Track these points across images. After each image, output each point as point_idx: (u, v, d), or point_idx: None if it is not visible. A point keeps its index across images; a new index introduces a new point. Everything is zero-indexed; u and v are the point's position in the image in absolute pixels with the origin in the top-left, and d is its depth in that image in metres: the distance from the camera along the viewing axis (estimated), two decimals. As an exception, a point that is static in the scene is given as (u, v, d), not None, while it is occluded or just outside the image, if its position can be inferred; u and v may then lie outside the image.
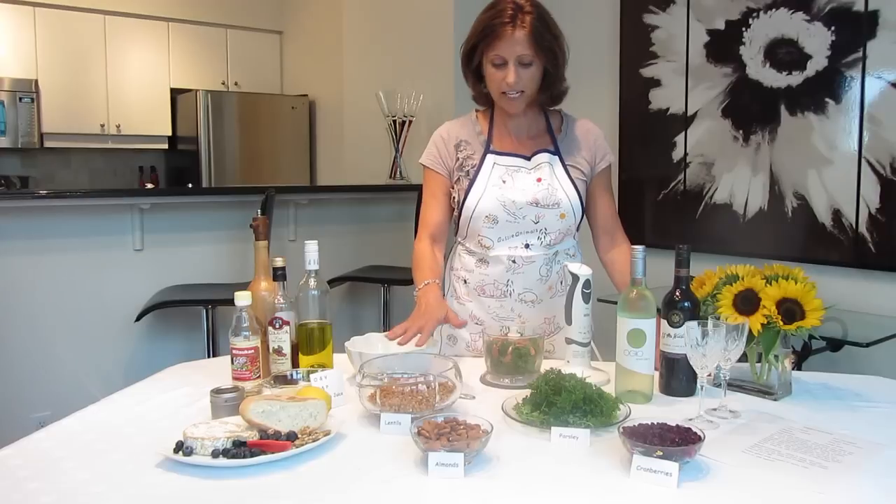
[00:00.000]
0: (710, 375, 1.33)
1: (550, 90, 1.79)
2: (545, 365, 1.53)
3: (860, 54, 2.80)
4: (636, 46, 3.60)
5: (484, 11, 1.75)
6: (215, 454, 1.15)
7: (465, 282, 1.87)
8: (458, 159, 1.86)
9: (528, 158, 1.81)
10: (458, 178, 1.85)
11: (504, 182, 1.79)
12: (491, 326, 1.83)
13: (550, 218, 1.79)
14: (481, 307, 1.85)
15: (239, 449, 1.15)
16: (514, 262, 1.80)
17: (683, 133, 3.43)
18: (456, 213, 1.87)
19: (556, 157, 1.82)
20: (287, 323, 1.57)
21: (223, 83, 6.19)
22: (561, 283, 1.80)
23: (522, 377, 1.54)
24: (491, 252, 1.81)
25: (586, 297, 1.59)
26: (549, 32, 1.71)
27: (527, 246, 1.79)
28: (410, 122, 4.24)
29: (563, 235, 1.82)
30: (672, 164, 3.48)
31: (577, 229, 1.88)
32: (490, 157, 1.82)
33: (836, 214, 2.91)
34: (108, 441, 1.28)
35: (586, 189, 1.87)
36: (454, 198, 1.87)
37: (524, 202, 1.77)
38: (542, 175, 1.79)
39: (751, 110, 3.17)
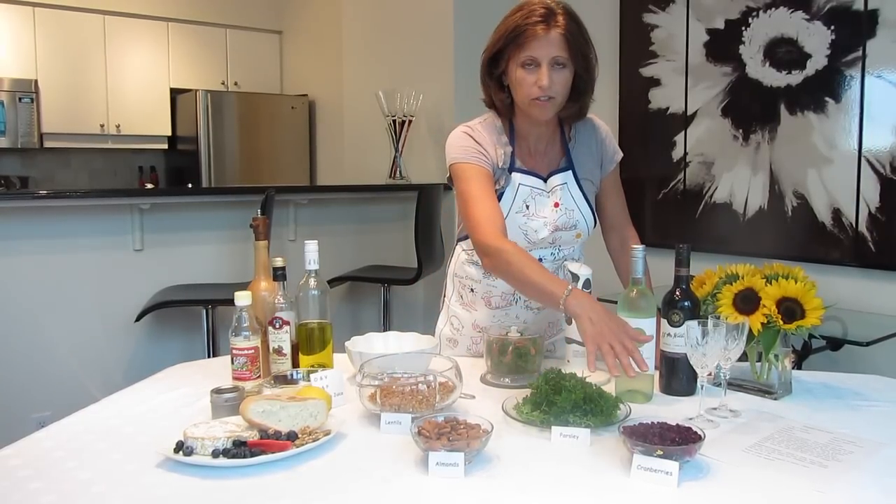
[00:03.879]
0: (710, 375, 1.33)
1: (581, 100, 1.71)
2: (545, 364, 1.54)
3: (860, 53, 2.81)
4: (636, 46, 3.60)
5: (510, 14, 1.64)
6: (215, 454, 1.15)
7: (472, 290, 1.84)
8: (499, 166, 1.72)
9: (545, 180, 1.75)
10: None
11: (527, 207, 1.72)
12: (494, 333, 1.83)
13: (567, 238, 1.77)
14: (486, 316, 1.83)
15: (239, 449, 1.15)
16: None
17: (683, 132, 3.43)
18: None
19: (570, 173, 1.76)
20: (287, 323, 1.57)
21: (223, 83, 6.19)
22: (564, 278, 1.78)
23: (523, 377, 1.55)
24: None
25: (586, 297, 1.59)
26: (582, 36, 1.63)
27: (539, 260, 1.75)
28: (410, 121, 4.24)
29: (573, 248, 1.81)
30: (672, 164, 3.48)
31: None
32: (514, 177, 1.72)
33: (836, 213, 2.92)
34: (108, 441, 1.28)
35: (596, 193, 1.84)
36: None
37: (546, 232, 1.73)
38: (559, 199, 1.74)
39: (750, 110, 3.17)
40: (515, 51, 1.61)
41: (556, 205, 1.73)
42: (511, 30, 1.61)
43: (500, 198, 1.71)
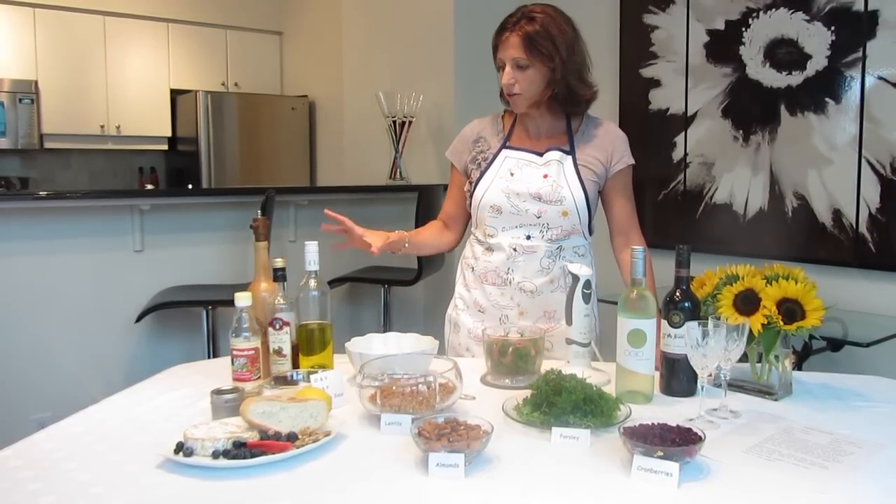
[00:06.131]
0: (710, 376, 1.33)
1: (556, 95, 1.81)
2: (545, 364, 1.54)
3: (860, 54, 2.81)
4: (636, 47, 3.60)
5: None
6: (215, 455, 1.15)
7: (473, 269, 1.93)
8: (473, 154, 1.94)
9: (541, 155, 1.86)
10: (471, 171, 1.93)
11: (512, 174, 1.85)
12: (491, 314, 1.88)
13: (552, 214, 1.81)
14: (484, 294, 1.90)
15: (239, 450, 1.15)
16: (514, 250, 1.84)
17: (683, 133, 3.43)
18: (468, 203, 1.94)
19: (569, 156, 1.85)
20: (287, 324, 1.57)
21: (223, 84, 6.19)
22: (564, 278, 1.80)
23: (523, 378, 1.54)
24: (494, 240, 1.86)
25: (586, 298, 1.59)
26: (549, 40, 1.75)
27: (528, 237, 1.83)
28: (410, 122, 4.24)
29: (567, 233, 1.84)
30: (672, 165, 3.48)
31: (591, 231, 1.90)
32: (504, 152, 1.89)
33: (837, 214, 2.92)
34: (108, 442, 1.28)
35: (598, 189, 1.90)
36: (467, 189, 1.94)
37: (527, 194, 1.81)
38: (550, 172, 1.83)
39: (751, 110, 3.17)
40: (495, 54, 1.84)
41: (545, 176, 1.84)
42: (494, 34, 1.82)
43: (486, 169, 1.88)
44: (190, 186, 5.55)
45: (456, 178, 2.00)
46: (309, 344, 1.60)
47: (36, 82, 5.42)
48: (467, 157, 1.95)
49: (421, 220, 3.48)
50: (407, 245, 1.91)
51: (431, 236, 2.03)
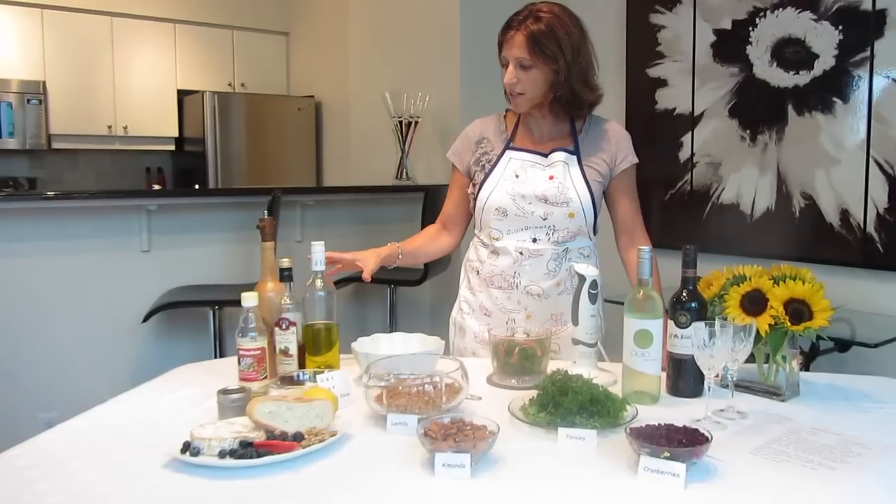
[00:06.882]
0: (717, 376, 1.33)
1: (559, 97, 1.79)
2: (552, 365, 1.53)
3: (868, 53, 2.79)
4: (642, 46, 3.59)
5: None
6: (222, 455, 1.15)
7: (478, 273, 1.92)
8: (476, 156, 1.92)
9: (546, 156, 1.85)
10: (475, 173, 1.91)
11: (517, 176, 1.83)
12: (497, 318, 1.86)
13: (559, 216, 1.80)
14: (490, 298, 1.89)
15: (245, 449, 1.16)
16: (521, 253, 1.83)
17: (690, 133, 3.42)
18: (472, 205, 1.93)
19: (574, 157, 1.84)
20: (293, 324, 1.57)
21: (230, 84, 6.20)
22: (571, 279, 1.80)
23: (529, 378, 1.54)
24: (499, 243, 1.85)
25: (593, 298, 1.59)
26: (554, 41, 1.72)
27: (534, 240, 1.82)
28: (417, 122, 4.24)
29: (573, 234, 1.83)
30: (679, 165, 3.47)
31: (595, 231, 1.89)
32: (508, 153, 1.88)
33: (844, 214, 2.90)
34: (115, 441, 1.28)
35: (604, 189, 1.89)
36: (471, 192, 1.92)
37: (532, 196, 1.80)
38: (556, 173, 1.82)
39: (758, 110, 3.16)
40: (500, 52, 1.81)
41: (551, 178, 1.82)
42: (500, 31, 1.80)
43: (490, 171, 1.86)
44: (197, 187, 5.56)
45: (457, 178, 1.98)
46: (315, 344, 1.60)
47: (44, 83, 5.44)
48: (470, 158, 1.93)
49: (427, 220, 3.48)
50: (400, 257, 1.89)
51: (426, 243, 2.00)
